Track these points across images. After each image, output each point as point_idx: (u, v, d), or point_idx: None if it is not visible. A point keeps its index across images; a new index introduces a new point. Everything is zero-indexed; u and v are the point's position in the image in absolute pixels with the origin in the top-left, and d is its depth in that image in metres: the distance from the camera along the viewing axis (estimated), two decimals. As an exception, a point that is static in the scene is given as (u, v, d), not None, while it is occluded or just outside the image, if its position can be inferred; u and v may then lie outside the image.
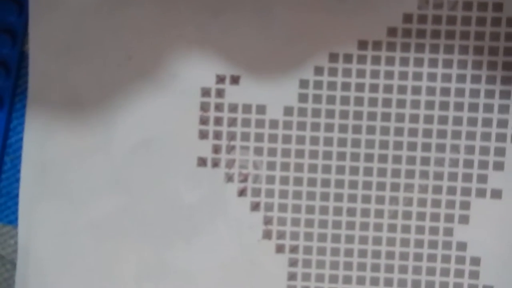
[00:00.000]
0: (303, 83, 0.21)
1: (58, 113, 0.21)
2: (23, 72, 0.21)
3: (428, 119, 0.21)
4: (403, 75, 0.21)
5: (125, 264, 0.21)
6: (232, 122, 0.21)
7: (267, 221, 0.21)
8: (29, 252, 0.21)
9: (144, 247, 0.21)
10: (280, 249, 0.21)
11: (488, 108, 0.20)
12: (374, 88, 0.21)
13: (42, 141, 0.21)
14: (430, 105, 0.21)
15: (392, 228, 0.21)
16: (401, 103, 0.21)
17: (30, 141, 0.21)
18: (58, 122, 0.21)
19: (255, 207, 0.21)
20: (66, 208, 0.21)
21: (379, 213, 0.21)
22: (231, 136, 0.21)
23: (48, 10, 0.21)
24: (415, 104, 0.21)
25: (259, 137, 0.21)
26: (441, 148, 0.21)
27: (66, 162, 0.21)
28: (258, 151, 0.21)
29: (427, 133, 0.21)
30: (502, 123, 0.20)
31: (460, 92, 0.21)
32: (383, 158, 0.21)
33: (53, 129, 0.21)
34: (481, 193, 0.21)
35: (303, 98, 0.21)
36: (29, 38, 0.21)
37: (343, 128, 0.21)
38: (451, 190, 0.21)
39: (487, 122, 0.21)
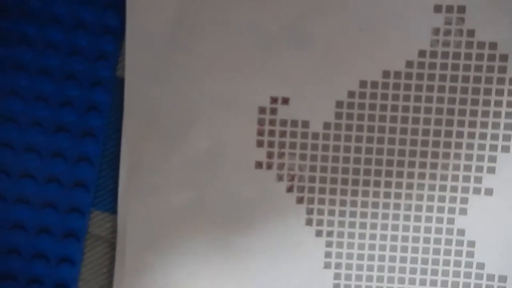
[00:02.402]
0: (339, 104, 0.25)
1: (146, 125, 0.26)
2: (115, 92, 0.26)
3: (437, 133, 0.25)
4: (418, 99, 0.25)
5: (198, 243, 0.26)
6: (283, 134, 0.26)
7: (309, 211, 0.26)
8: (126, 234, 0.26)
9: (213, 231, 0.26)
10: (319, 233, 0.26)
11: (484, 124, 0.25)
12: (394, 108, 0.25)
13: (134, 147, 0.26)
14: (438, 122, 0.25)
15: (407, 217, 0.26)
16: (415, 120, 0.25)
17: (126, 146, 0.26)
18: (146, 132, 0.26)
19: (299, 200, 0.26)
20: (152, 200, 0.26)
21: (397, 206, 0.26)
22: (282, 145, 0.26)
23: (141, 44, 0.25)
24: (427, 121, 0.25)
25: (303, 146, 0.26)
26: (446, 155, 0.25)
27: (153, 164, 0.26)
28: (303, 157, 0.26)
29: (436, 144, 0.25)
30: (495, 137, 0.25)
31: (462, 112, 0.25)
32: (400, 163, 0.25)
33: (143, 137, 0.26)
34: (477, 191, 0.25)
35: (338, 115, 0.25)
36: (125, 65, 0.25)
37: (369, 140, 0.25)
38: (454, 189, 0.25)
39: (483, 136, 0.25)
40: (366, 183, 0.26)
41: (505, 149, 0.25)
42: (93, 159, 0.26)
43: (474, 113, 0.25)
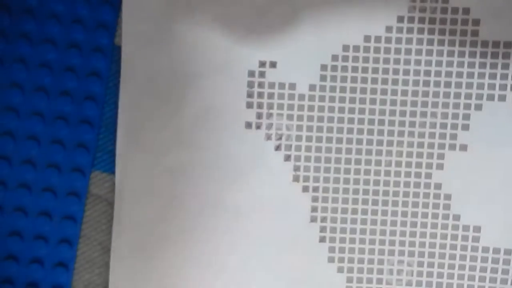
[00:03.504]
0: (323, 67, 0.27)
1: (142, 89, 0.27)
2: (114, 58, 0.28)
3: (414, 93, 0.27)
4: (397, 61, 0.27)
5: (192, 200, 0.27)
6: (271, 95, 0.27)
7: (296, 168, 0.28)
8: (123, 193, 0.27)
9: (205, 188, 0.27)
10: (305, 189, 0.28)
11: (458, 84, 0.27)
12: (375, 70, 0.27)
13: (131, 110, 0.27)
14: (416, 82, 0.27)
15: (387, 173, 0.27)
16: (395, 81, 0.27)
17: (123, 109, 0.27)
18: (144, 95, 0.27)
19: (287, 158, 0.28)
20: (149, 159, 0.27)
21: (378, 162, 0.27)
22: (270, 106, 0.27)
23: (136, 12, 0.27)
24: (405, 82, 0.27)
25: (290, 107, 0.27)
26: (424, 114, 0.27)
27: (149, 124, 0.27)
28: (290, 117, 0.27)
29: (414, 104, 0.27)
30: (468, 96, 0.27)
31: (438, 73, 0.27)
32: (381, 122, 0.27)
33: (139, 101, 0.27)
34: (452, 147, 0.27)
35: (323, 78, 0.27)
36: (122, 34, 0.27)
37: (352, 100, 0.27)
38: (431, 145, 0.27)
39: (457, 95, 0.27)
40: (349, 141, 0.27)
41: (478, 107, 0.27)
42: (93, 121, 0.27)
43: (449, 74, 0.27)
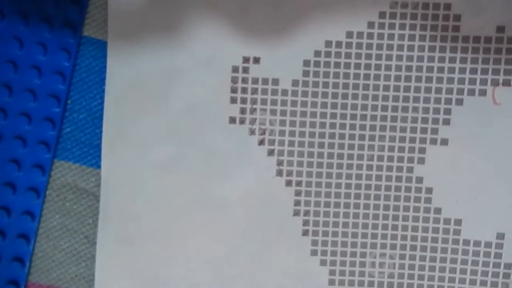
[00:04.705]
0: (306, 63, 0.27)
1: (128, 84, 0.27)
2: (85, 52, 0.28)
3: (396, 88, 0.27)
4: (379, 57, 0.27)
5: (177, 194, 0.28)
6: (254, 91, 0.28)
7: (279, 163, 0.28)
8: (109, 186, 0.28)
9: (190, 182, 0.28)
10: (288, 183, 0.28)
11: (440, 79, 0.27)
12: (357, 66, 0.27)
13: (117, 105, 0.27)
14: (397, 78, 0.27)
15: (369, 167, 0.28)
16: (377, 77, 0.27)
17: (109, 105, 0.27)
18: (128, 91, 0.27)
19: (270, 153, 0.28)
20: (135, 153, 0.28)
21: (360, 157, 0.28)
22: (253, 101, 0.28)
23: (122, 8, 0.27)
24: (387, 77, 0.27)
25: (273, 102, 0.28)
26: (405, 109, 0.27)
27: (135, 120, 0.27)
28: (273, 112, 0.28)
29: (396, 98, 0.27)
30: (449, 90, 0.27)
31: (419, 68, 0.27)
32: (363, 117, 0.27)
33: (126, 95, 0.27)
34: (433, 141, 0.27)
35: (306, 73, 0.27)
36: (108, 30, 0.27)
37: (335, 95, 0.27)
38: (412, 139, 0.27)
39: (438, 90, 0.27)
40: (332, 136, 0.28)
41: (459, 102, 0.27)
42: (55, 118, 0.28)
43: (430, 69, 0.27)
